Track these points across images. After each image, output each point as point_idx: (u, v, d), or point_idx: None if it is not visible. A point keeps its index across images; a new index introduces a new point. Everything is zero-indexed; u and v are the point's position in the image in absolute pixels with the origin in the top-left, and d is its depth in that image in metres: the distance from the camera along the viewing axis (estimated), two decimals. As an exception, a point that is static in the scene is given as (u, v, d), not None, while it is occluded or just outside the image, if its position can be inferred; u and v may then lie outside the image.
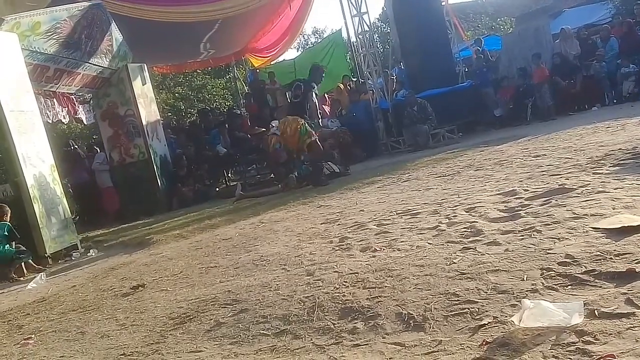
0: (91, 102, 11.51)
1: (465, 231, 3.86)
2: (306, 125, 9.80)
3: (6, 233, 6.99)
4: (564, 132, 8.56)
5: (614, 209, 3.50)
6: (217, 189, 12.63)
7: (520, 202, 4.33)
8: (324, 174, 9.45)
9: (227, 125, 13.74)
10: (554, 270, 2.74)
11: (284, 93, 16.08)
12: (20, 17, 8.30)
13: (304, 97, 13.14)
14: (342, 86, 14.92)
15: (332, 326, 2.84)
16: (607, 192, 3.98)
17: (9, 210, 7.17)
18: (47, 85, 9.53)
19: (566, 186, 4.45)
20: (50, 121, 9.93)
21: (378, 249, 3.96)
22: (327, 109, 15.15)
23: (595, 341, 2.04)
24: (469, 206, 4.64)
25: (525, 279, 2.74)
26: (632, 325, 2.08)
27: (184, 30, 13.72)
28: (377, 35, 22.43)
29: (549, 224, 3.49)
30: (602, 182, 4.39)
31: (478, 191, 5.30)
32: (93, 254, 7.66)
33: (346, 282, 3.35)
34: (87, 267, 6.78)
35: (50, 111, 9.79)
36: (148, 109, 11.55)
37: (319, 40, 34.55)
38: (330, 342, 2.68)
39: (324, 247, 4.49)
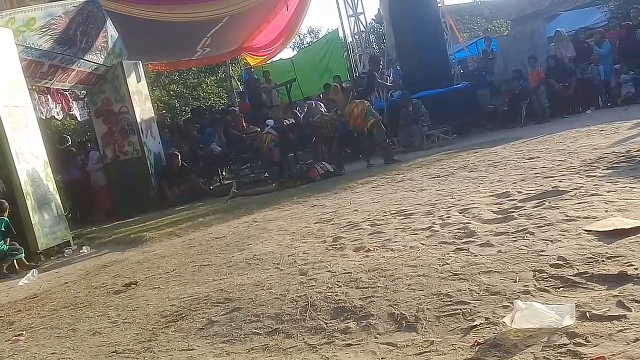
0: (85, 98, 11.46)
1: (458, 232, 3.86)
2: (371, 108, 10.64)
3: (3, 229, 6.96)
4: (558, 135, 8.58)
5: (606, 211, 3.51)
6: (211, 187, 12.60)
7: (514, 204, 4.34)
8: (392, 151, 10.58)
9: (222, 124, 13.71)
10: (546, 272, 2.75)
11: (277, 92, 16.12)
12: (15, 13, 8.26)
13: (369, 86, 13.42)
14: (338, 86, 14.92)
15: (325, 326, 2.84)
16: (600, 194, 3.99)
17: (8, 206, 7.12)
18: (41, 81, 9.48)
19: (559, 188, 4.47)
20: (44, 117, 9.89)
21: (371, 249, 3.97)
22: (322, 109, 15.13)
23: (586, 343, 2.05)
24: (463, 207, 4.65)
25: (517, 280, 2.75)
26: (623, 328, 2.09)
27: (182, 29, 13.70)
28: (373, 35, 22.45)
29: (541, 226, 3.50)
30: (595, 184, 4.41)
31: (472, 192, 5.31)
32: (85, 251, 7.62)
33: (339, 281, 3.35)
34: (79, 264, 6.75)
35: (44, 107, 9.74)
36: (142, 106, 11.50)
37: (314, 40, 34.56)
38: (322, 341, 2.68)
39: (318, 246, 4.48)
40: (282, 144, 11.59)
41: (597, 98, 12.98)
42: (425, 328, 2.52)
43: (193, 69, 23.10)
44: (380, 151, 10.42)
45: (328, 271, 3.62)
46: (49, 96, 9.93)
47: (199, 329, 3.22)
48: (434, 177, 7.02)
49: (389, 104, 13.41)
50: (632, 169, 4.78)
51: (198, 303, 3.63)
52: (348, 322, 2.80)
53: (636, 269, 2.54)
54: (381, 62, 14.46)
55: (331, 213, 5.95)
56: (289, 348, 2.70)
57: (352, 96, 13.22)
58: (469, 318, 2.49)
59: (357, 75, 14.18)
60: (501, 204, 4.49)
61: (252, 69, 18.17)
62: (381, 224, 4.76)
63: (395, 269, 3.31)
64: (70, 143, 13.26)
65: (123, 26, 11.19)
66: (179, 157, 11.55)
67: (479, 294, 2.70)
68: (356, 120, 10.43)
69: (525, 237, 3.36)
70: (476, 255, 3.23)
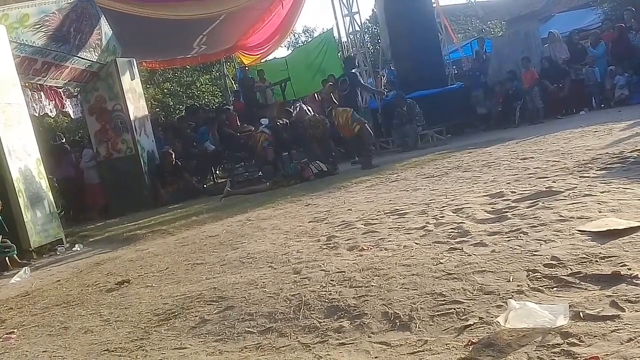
0: (79, 96, 11.41)
1: (452, 232, 3.86)
2: (355, 114, 10.70)
3: (-5, 226, 6.93)
4: (551, 136, 8.61)
5: (600, 212, 3.52)
6: (205, 186, 12.58)
7: (507, 204, 4.35)
8: (372, 157, 10.32)
9: (216, 122, 13.68)
10: (540, 272, 2.76)
11: (272, 91, 16.08)
12: (8, 9, 8.21)
13: (352, 89, 13.24)
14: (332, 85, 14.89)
15: (318, 325, 2.83)
16: (594, 195, 4.00)
17: (1, 204, 7.07)
18: (34, 78, 9.43)
19: (553, 189, 4.48)
20: (37, 114, 9.84)
21: (365, 248, 3.96)
22: (314, 107, 15.09)
23: (580, 343, 2.05)
24: (457, 207, 4.65)
25: (511, 280, 2.75)
26: (616, 328, 2.09)
27: (176, 27, 13.66)
28: (367, 35, 22.45)
29: (535, 226, 3.51)
30: (588, 185, 4.42)
31: (466, 192, 5.31)
32: (78, 249, 7.59)
33: (333, 280, 3.34)
34: (71, 262, 6.72)
35: (37, 104, 9.69)
36: (136, 104, 11.47)
37: (309, 39, 34.53)
38: (315, 340, 2.68)
39: (311, 245, 4.48)
40: (276, 143, 11.57)
41: (591, 99, 13.04)
42: (419, 327, 2.52)
43: (187, 67, 23.04)
44: (363, 155, 10.48)
45: (322, 270, 3.62)
46: (42, 93, 9.88)
47: (191, 327, 3.21)
48: (428, 177, 7.02)
49: (383, 104, 13.42)
50: (626, 170, 4.79)
51: (191, 301, 3.61)
52: (342, 321, 2.79)
53: (629, 269, 2.55)
54: (357, 62, 14.33)
55: (325, 212, 5.95)
56: (283, 347, 2.69)
57: (336, 98, 13.20)
58: (463, 317, 2.49)
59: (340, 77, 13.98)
60: (495, 204, 4.50)
61: (247, 68, 18.13)
62: (375, 224, 4.76)
63: (389, 268, 3.31)
64: (64, 141, 13.21)
65: (117, 23, 11.15)
66: (173, 156, 11.52)
67: (472, 293, 2.70)
68: (343, 129, 10.60)
69: (519, 237, 3.36)
70: (470, 255, 3.23)
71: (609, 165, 5.14)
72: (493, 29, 27.39)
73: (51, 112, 10.41)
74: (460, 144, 10.39)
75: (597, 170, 5.06)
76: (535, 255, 2.99)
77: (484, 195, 4.94)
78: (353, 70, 13.41)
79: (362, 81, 13.47)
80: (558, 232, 3.29)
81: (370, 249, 3.92)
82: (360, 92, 13.81)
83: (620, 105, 11.61)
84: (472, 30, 27.91)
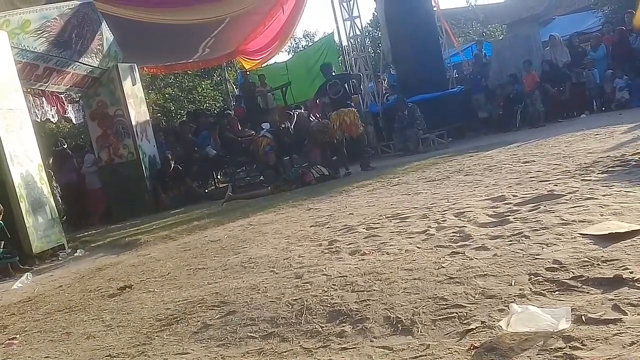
0: (80, 101, 11.44)
1: (454, 236, 3.86)
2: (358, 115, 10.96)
3: (-3, 233, 6.93)
4: (552, 139, 8.60)
5: (602, 215, 3.52)
6: (206, 191, 12.59)
7: (509, 208, 4.34)
8: (369, 160, 10.65)
9: (217, 127, 13.69)
10: (542, 276, 2.75)
11: (272, 95, 16.07)
12: (9, 15, 8.23)
13: (345, 91, 13.09)
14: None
15: (320, 329, 2.83)
16: (595, 198, 4.00)
17: (2, 210, 7.07)
18: (36, 84, 9.45)
19: (555, 192, 4.47)
20: (39, 120, 9.86)
21: (367, 252, 3.96)
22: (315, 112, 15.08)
23: (582, 347, 2.05)
24: (458, 211, 4.65)
25: (513, 284, 2.75)
26: (619, 332, 2.09)
27: (177, 32, 13.67)
28: (368, 39, 22.48)
29: (537, 230, 3.50)
30: (590, 188, 4.42)
31: (467, 196, 5.31)
32: (80, 254, 7.59)
33: (335, 285, 3.34)
34: (73, 267, 6.72)
35: (38, 110, 9.71)
36: (138, 110, 11.49)
37: (310, 44, 34.61)
38: (318, 345, 2.68)
39: (313, 250, 4.48)
40: (277, 148, 11.58)
41: (592, 102, 13.05)
42: (421, 331, 2.52)
43: (189, 72, 23.06)
44: (361, 157, 10.65)
45: (323, 274, 3.62)
46: (43, 99, 9.90)
47: (193, 332, 3.21)
48: (429, 181, 7.02)
49: (384, 108, 13.43)
50: (627, 173, 4.79)
51: (193, 306, 3.61)
52: (344, 326, 2.79)
53: (631, 272, 2.55)
54: (333, 70, 14.27)
55: (327, 216, 5.95)
56: (285, 352, 2.69)
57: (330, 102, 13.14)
58: (465, 321, 2.48)
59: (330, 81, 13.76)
60: (497, 207, 4.50)
61: (248, 73, 18.17)
62: (377, 228, 4.76)
63: (391, 272, 3.31)
64: (66, 146, 13.24)
65: (118, 29, 11.17)
66: (171, 161, 11.53)
67: (474, 297, 2.70)
68: (350, 128, 10.55)
69: (521, 241, 3.36)
70: (472, 259, 3.23)
71: (610, 169, 5.14)
72: (494, 32, 27.41)
73: (53, 117, 10.44)
74: (462, 148, 10.38)
75: (598, 173, 5.06)
76: (537, 258, 2.98)
77: (486, 199, 4.94)
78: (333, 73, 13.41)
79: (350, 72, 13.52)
80: (560, 235, 3.29)
81: (372, 253, 3.92)
82: (361, 95, 13.82)
83: (621, 109, 11.63)
84: (472, 34, 27.94)
